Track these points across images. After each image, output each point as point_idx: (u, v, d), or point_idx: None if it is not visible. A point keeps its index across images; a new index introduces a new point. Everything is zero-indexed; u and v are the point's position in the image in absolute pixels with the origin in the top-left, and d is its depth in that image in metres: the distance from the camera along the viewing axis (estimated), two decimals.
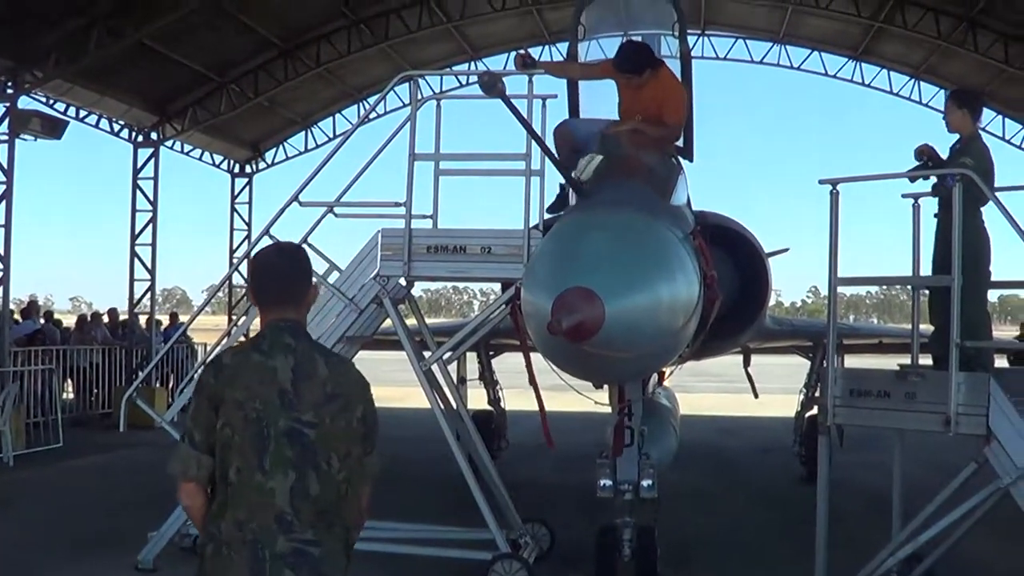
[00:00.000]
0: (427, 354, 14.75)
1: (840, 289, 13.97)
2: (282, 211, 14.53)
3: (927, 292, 13.43)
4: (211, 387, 5.77)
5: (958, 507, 12.19)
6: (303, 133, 44.37)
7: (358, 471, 5.91)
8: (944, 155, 12.89)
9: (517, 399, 25.10)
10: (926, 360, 13.14)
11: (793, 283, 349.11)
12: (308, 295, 6.25)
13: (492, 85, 9.56)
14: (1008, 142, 43.74)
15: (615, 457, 11.61)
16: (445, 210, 13.96)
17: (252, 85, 38.04)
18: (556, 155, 11.38)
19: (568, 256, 8.75)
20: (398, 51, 39.10)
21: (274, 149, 44.77)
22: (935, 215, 12.84)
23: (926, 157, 12.92)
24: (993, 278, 13.15)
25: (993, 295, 16.25)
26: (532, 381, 13.85)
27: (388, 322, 14.71)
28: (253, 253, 9.11)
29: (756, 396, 28.93)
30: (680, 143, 13.46)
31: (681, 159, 13.33)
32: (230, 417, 5.67)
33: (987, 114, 40.81)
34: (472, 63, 42.13)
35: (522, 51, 15.54)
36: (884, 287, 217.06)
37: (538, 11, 38.55)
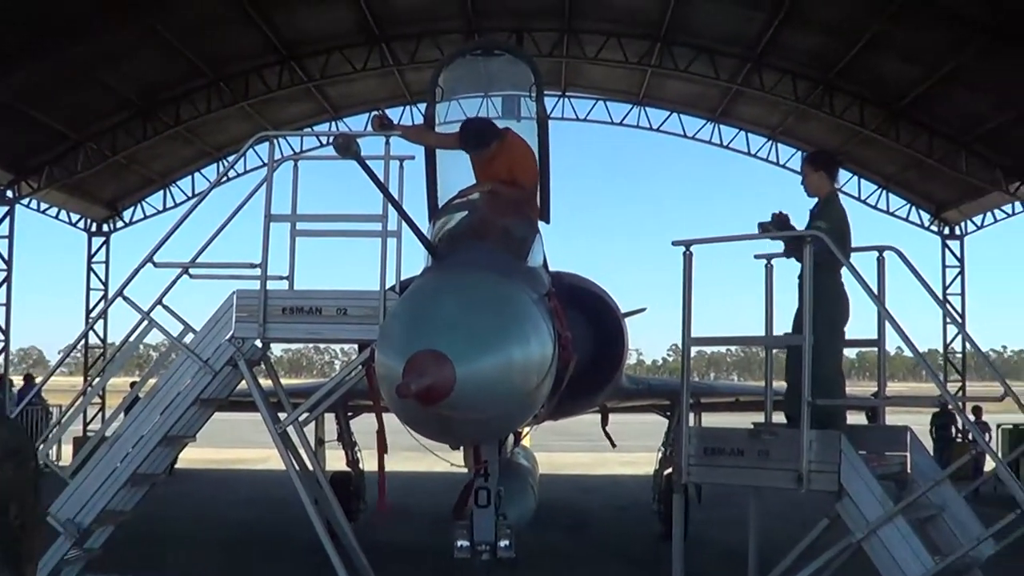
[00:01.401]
0: (283, 416, 14.63)
1: (701, 347, 14.13)
2: (136, 272, 14.33)
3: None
4: None
5: (812, 562, 12.34)
6: (162, 192, 44.16)
7: None
8: (804, 217, 13.12)
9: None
10: (782, 417, 13.31)
11: (655, 341, 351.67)
12: None
13: (347, 147, 9.56)
14: (864, 202, 44.78)
15: (470, 518, 11.59)
16: (303, 271, 13.92)
17: (110, 143, 37.80)
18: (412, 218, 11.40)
19: (420, 318, 8.75)
20: (258, 110, 39.11)
21: (132, 208, 44.43)
22: (798, 276, 13.04)
23: (777, 225, 13.12)
24: (855, 336, 13.47)
25: (854, 352, 16.50)
26: (380, 443, 13.75)
27: (245, 383, 14.59)
28: None
29: (614, 445, 28.99)
30: (537, 204, 13.53)
31: (538, 220, 13.39)
32: None
33: (843, 175, 41.62)
34: (333, 123, 42.27)
35: (379, 112, 15.53)
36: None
37: (399, 72, 38.78)
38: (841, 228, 12.95)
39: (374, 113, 15.16)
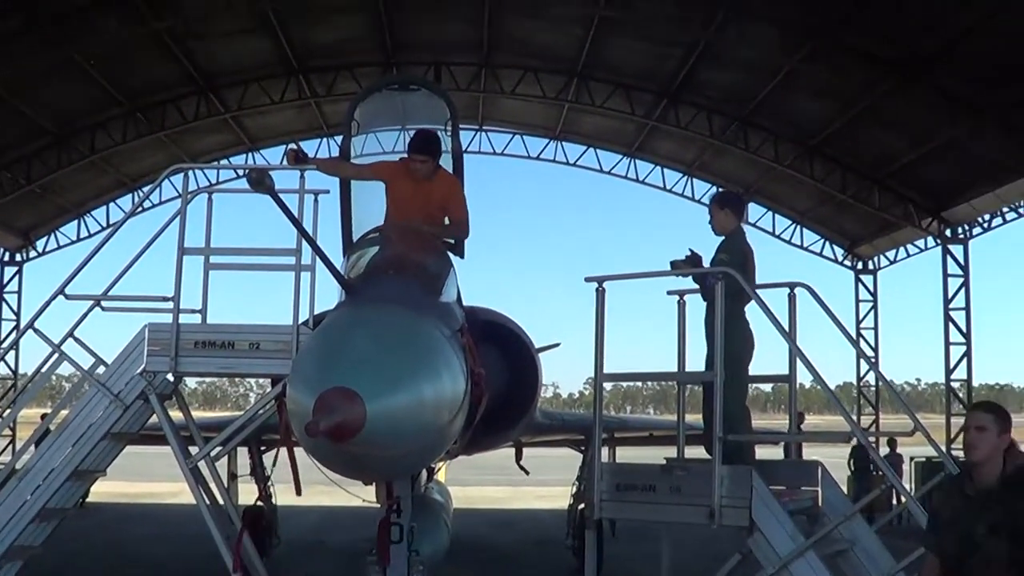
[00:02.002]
0: (194, 450, 14.51)
1: (618, 382, 14.21)
2: (47, 304, 14.20)
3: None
4: None
5: None
6: (76, 222, 43.67)
7: None
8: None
9: (290, 494, 24.87)
10: (696, 451, 13.37)
11: (572, 375, 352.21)
12: None
13: (260, 181, 9.50)
14: (779, 237, 45.18)
15: (382, 554, 11.55)
16: (217, 304, 13.84)
17: (25, 172, 37.35)
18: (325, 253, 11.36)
19: (331, 354, 8.71)
20: (175, 140, 38.93)
21: (46, 237, 43.94)
22: (705, 315, 13.18)
23: (690, 263, 13.29)
24: (770, 372, 13.63)
25: (769, 386, 16.66)
26: (296, 480, 13.67)
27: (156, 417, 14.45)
28: None
29: (527, 473, 29.00)
30: (451, 239, 13.53)
31: (452, 255, 13.39)
32: None
33: (758, 210, 42.10)
34: (250, 154, 42.14)
35: (293, 146, 15.46)
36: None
37: (317, 104, 38.81)
38: (743, 261, 13.09)
39: (289, 146, 15.10)
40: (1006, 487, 7.95)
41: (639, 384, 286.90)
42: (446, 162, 13.49)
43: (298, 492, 13.56)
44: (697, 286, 13.33)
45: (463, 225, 13.10)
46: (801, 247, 46.23)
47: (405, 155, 12.85)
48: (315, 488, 14.27)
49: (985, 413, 8.47)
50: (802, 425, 35.21)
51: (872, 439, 25.80)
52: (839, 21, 28.98)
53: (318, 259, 11.62)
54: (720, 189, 41.35)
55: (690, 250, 13.42)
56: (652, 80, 37.45)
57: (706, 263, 13.09)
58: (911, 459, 33.99)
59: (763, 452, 14.24)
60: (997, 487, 7.98)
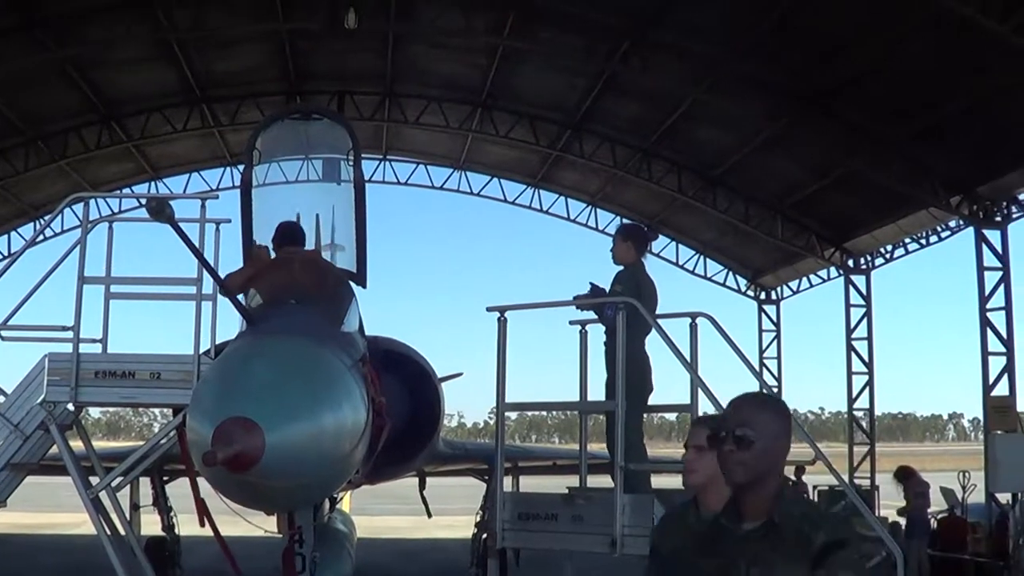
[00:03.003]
0: (95, 480, 14.39)
1: (520, 411, 14.25)
2: None
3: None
4: None
5: None
6: None
7: None
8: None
9: (193, 524, 24.70)
10: (601, 480, 13.44)
11: (476, 404, 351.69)
12: None
13: (159, 211, 9.45)
14: (682, 267, 45.55)
15: None
16: (118, 334, 13.74)
17: None
18: (226, 284, 11.30)
19: (230, 384, 8.68)
20: (77, 169, 38.57)
21: None
22: (604, 343, 13.29)
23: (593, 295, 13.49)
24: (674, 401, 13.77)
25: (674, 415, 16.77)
26: (199, 510, 13.58)
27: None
28: None
29: (430, 516, 29.12)
30: (354, 268, 13.52)
31: (354, 284, 13.39)
32: None
33: (662, 240, 42.36)
34: (153, 183, 41.80)
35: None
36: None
37: (220, 133, 38.59)
38: (636, 294, 13.19)
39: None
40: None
41: (544, 413, 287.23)
42: (347, 192, 13.50)
43: (201, 524, 13.47)
44: (596, 316, 13.47)
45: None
46: (705, 277, 46.69)
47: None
48: (218, 518, 14.15)
49: (703, 429, 7.11)
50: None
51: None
52: (741, 53, 29.26)
53: (219, 288, 11.60)
54: (624, 221, 41.75)
55: (591, 284, 13.62)
56: (556, 110, 37.69)
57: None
58: (814, 487, 34.27)
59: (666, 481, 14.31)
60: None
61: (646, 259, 14.43)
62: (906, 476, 28.73)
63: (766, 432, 5.69)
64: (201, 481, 10.74)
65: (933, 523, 31.09)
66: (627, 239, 14.17)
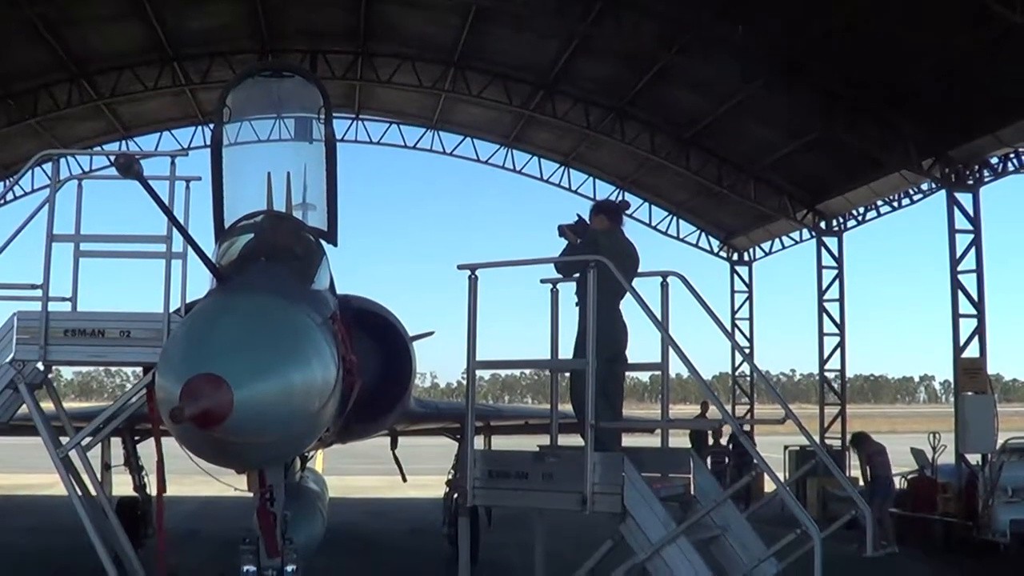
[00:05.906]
0: (66, 440, 14.33)
1: (495, 371, 14.27)
2: None
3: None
4: None
5: None
6: None
7: None
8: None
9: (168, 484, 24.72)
10: (571, 439, 13.46)
11: (449, 364, 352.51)
12: None
13: (128, 167, 9.43)
14: (655, 228, 45.62)
15: (256, 542, 11.45)
16: (88, 292, 13.66)
17: None
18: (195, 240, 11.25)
19: (199, 341, 8.67)
20: (48, 127, 38.31)
21: None
22: (576, 304, 13.29)
23: (578, 228, 13.57)
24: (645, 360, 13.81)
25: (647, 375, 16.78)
26: (159, 474, 13.58)
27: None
28: None
29: (404, 479, 29.23)
30: (324, 227, 13.47)
31: (325, 242, 13.35)
32: None
33: (634, 201, 42.47)
34: (124, 142, 41.57)
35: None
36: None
37: (191, 91, 38.38)
38: (595, 250, 13.09)
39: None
40: None
41: (517, 373, 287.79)
42: (319, 150, 13.45)
43: (162, 482, 13.47)
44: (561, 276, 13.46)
45: None
46: (677, 238, 46.79)
47: None
48: (191, 478, 14.17)
49: None
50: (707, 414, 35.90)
51: (746, 428, 26.16)
52: (714, 15, 29.28)
53: (189, 246, 11.55)
54: (596, 179, 42.11)
55: (578, 215, 13.71)
56: (529, 71, 37.64)
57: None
58: (785, 448, 34.49)
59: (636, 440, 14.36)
60: None
61: (624, 226, 14.43)
62: (859, 442, 29.04)
63: None
64: (168, 442, 10.72)
65: (904, 483, 31.35)
66: (599, 213, 14.27)
